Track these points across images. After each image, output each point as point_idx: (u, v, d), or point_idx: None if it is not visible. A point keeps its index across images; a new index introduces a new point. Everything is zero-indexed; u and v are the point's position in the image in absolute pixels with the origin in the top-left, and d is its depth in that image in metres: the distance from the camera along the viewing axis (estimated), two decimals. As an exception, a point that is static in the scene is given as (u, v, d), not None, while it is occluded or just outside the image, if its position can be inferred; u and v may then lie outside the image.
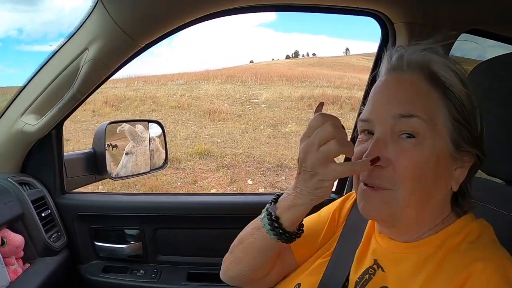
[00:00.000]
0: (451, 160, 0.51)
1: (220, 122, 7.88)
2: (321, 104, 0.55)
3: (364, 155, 0.51)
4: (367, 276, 0.56)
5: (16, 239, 1.03)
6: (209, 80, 11.03)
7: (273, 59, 18.89)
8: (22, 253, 1.07)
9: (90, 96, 1.06)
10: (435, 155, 0.50)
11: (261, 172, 5.79)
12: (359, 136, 0.56)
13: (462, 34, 1.24)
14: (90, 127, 7.36)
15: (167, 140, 1.49)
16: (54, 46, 1.01)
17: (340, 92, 9.75)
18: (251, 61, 18.65)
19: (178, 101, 8.94)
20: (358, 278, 0.56)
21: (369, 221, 0.63)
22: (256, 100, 9.12)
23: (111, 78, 1.06)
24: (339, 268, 0.61)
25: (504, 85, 0.76)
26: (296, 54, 19.29)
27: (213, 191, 5.20)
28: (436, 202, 0.53)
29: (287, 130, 7.52)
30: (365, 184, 0.53)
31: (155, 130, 1.52)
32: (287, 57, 19.27)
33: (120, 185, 4.99)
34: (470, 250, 0.49)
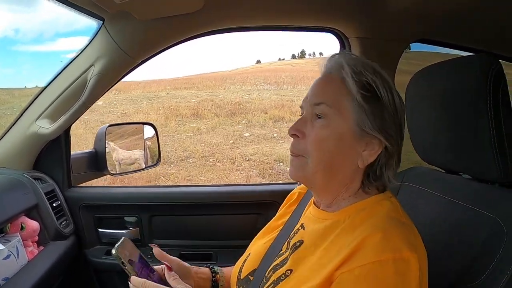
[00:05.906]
0: (356, 140, 0.63)
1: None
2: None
3: (289, 127, 0.67)
4: (293, 234, 0.72)
5: (33, 224, 1.15)
6: (289, 84, 10.62)
7: (279, 59, 17.13)
8: (37, 238, 1.17)
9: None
10: (337, 133, 0.63)
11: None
12: None
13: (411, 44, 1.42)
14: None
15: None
16: (64, 62, 1.15)
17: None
18: (258, 61, 16.95)
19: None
20: (289, 236, 0.73)
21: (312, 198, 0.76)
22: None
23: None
24: (286, 232, 0.76)
25: (439, 89, 0.85)
26: (302, 54, 17.20)
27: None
28: (343, 174, 0.65)
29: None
30: (291, 153, 0.68)
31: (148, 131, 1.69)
32: (293, 56, 17.27)
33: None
34: (368, 222, 0.59)
